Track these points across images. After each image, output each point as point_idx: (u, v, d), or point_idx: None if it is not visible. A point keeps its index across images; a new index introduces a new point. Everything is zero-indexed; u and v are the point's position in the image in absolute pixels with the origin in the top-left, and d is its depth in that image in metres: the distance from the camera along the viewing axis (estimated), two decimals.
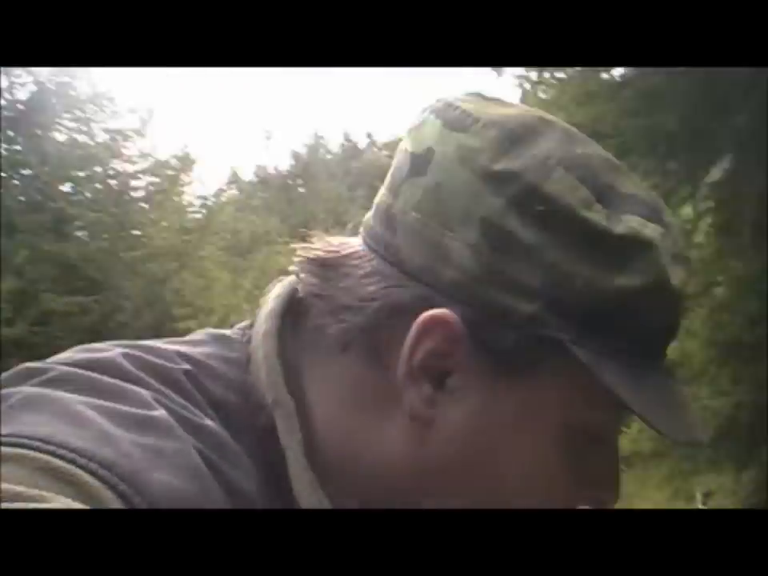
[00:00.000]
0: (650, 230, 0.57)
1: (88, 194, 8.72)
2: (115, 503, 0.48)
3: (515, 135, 0.57)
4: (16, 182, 8.51)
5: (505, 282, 0.56)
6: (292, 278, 0.65)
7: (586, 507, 0.65)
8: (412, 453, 0.59)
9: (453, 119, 0.58)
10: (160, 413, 0.53)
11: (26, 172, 8.51)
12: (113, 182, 8.78)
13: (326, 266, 0.61)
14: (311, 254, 0.62)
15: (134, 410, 0.52)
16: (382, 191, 0.62)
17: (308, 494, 0.58)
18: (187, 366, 0.58)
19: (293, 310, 0.64)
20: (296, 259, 0.62)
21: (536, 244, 0.56)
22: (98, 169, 8.86)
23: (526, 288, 0.56)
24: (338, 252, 0.61)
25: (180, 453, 0.52)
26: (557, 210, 0.56)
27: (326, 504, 0.59)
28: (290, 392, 0.60)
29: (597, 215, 0.56)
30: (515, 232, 0.56)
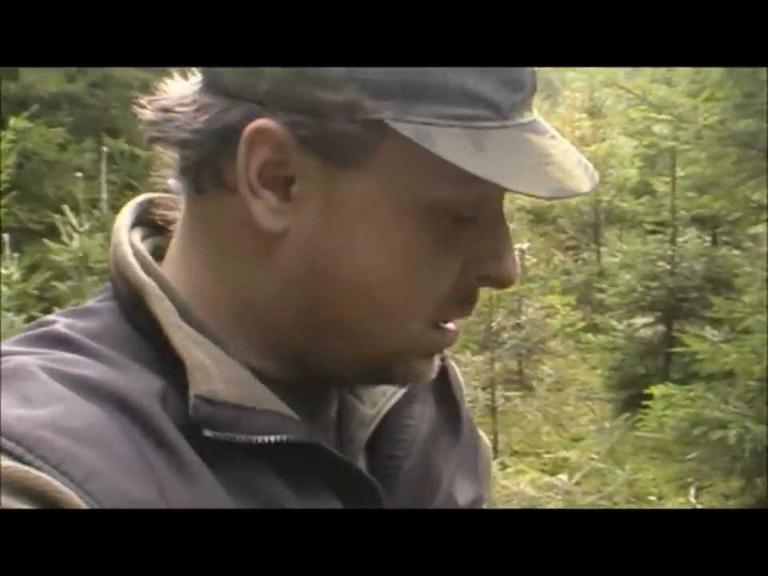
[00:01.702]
0: None
1: None
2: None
3: None
4: None
5: (311, 78, 0.57)
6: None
7: (479, 286, 0.63)
8: (277, 275, 0.61)
9: None
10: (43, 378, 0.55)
11: None
12: None
13: (164, 110, 0.62)
14: (150, 102, 0.63)
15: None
16: None
17: (190, 348, 0.59)
18: (56, 318, 0.61)
19: (148, 211, 0.68)
20: (139, 111, 0.63)
21: None
22: None
23: (332, 78, 0.56)
24: (172, 94, 0.62)
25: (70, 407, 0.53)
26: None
27: (214, 352, 0.59)
28: (152, 273, 0.62)
29: None
30: None
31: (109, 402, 0.55)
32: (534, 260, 7.86)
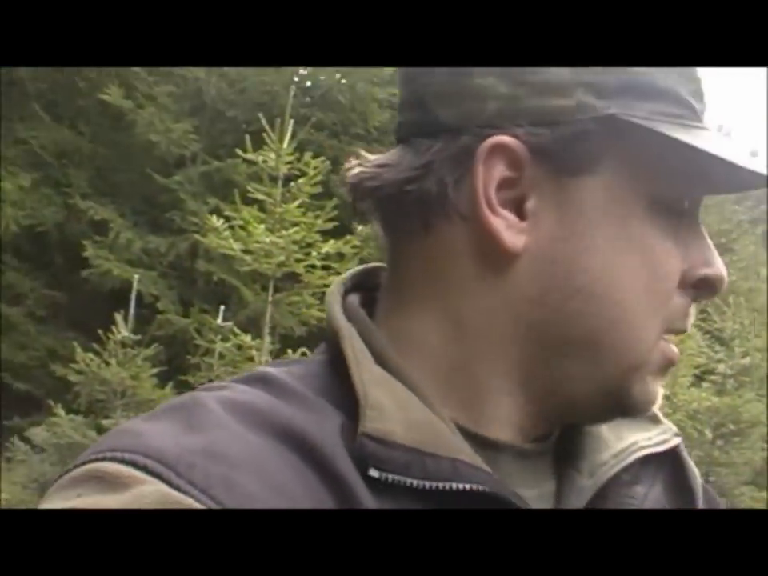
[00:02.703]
0: None
1: None
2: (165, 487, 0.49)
3: None
4: None
5: (540, 88, 0.58)
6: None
7: (700, 295, 0.64)
8: (510, 298, 0.60)
9: None
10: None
11: None
12: None
13: (379, 165, 0.62)
14: (356, 169, 0.64)
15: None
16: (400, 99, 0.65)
17: (369, 387, 0.58)
18: (270, 363, 0.64)
19: (370, 279, 0.69)
20: (347, 175, 0.64)
21: None
22: None
23: (561, 85, 0.59)
24: (380, 155, 0.64)
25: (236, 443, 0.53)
26: None
27: (399, 392, 0.59)
28: (355, 318, 0.63)
29: None
30: None
31: (279, 436, 0.54)
32: None
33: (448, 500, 0.55)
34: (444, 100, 0.60)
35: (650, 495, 0.69)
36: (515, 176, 0.59)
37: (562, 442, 0.68)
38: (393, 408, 0.57)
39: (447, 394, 0.61)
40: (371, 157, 0.64)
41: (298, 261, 6.40)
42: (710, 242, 0.64)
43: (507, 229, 0.59)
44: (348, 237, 6.61)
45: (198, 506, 0.48)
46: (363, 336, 0.61)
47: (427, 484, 0.55)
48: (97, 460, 0.50)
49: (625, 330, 0.61)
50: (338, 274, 6.46)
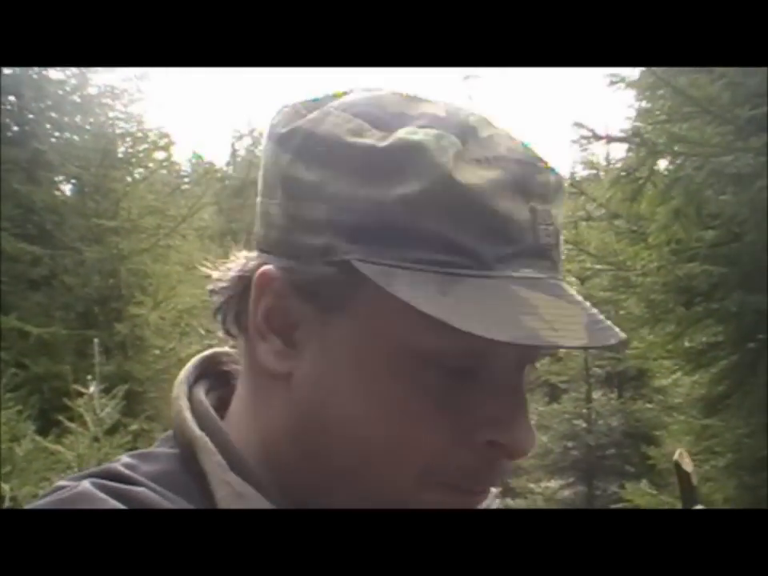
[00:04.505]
0: (420, 135, 0.57)
1: (75, 146, 8.22)
2: None
3: (311, 103, 0.62)
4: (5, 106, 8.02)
5: (301, 224, 0.60)
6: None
7: (493, 454, 0.59)
8: (287, 415, 0.62)
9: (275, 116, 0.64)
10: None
11: (12, 98, 8.02)
12: (102, 140, 8.20)
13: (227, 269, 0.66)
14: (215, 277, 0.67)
15: None
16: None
17: (231, 505, 0.60)
18: (120, 459, 0.64)
19: (213, 365, 0.70)
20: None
21: (318, 181, 0.59)
22: (91, 120, 8.43)
23: (315, 223, 0.59)
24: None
25: None
26: (329, 145, 0.59)
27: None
28: (208, 426, 0.64)
29: (364, 138, 0.58)
30: (301, 177, 0.59)
31: None
32: None
33: None
34: (259, 219, 0.64)
35: None
36: (283, 305, 0.61)
37: None
38: None
39: (285, 492, 0.63)
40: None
41: None
42: (517, 395, 0.60)
43: (270, 354, 0.62)
44: None
45: None
46: (217, 443, 0.63)
47: None
48: None
49: (371, 475, 0.60)
50: None
